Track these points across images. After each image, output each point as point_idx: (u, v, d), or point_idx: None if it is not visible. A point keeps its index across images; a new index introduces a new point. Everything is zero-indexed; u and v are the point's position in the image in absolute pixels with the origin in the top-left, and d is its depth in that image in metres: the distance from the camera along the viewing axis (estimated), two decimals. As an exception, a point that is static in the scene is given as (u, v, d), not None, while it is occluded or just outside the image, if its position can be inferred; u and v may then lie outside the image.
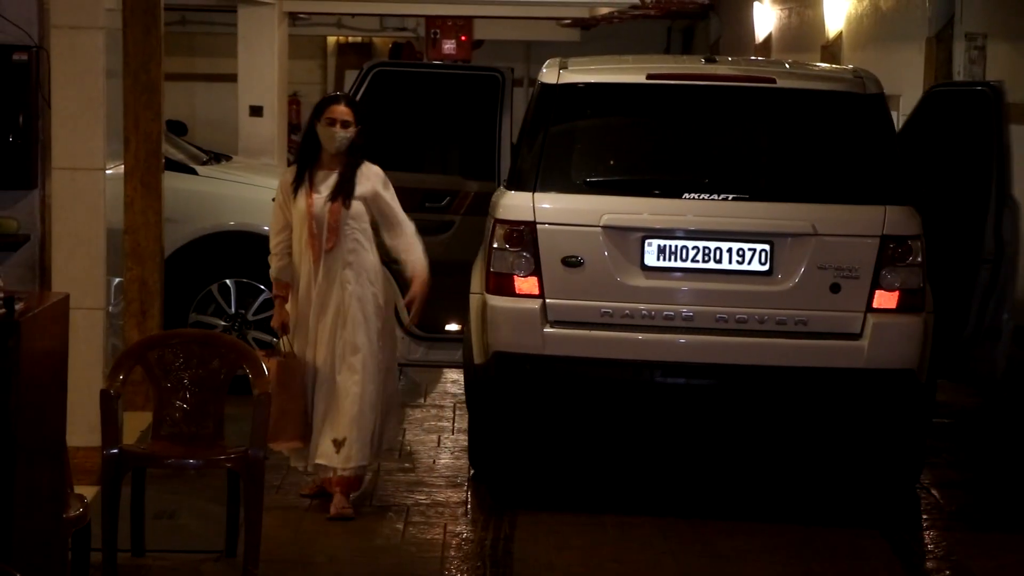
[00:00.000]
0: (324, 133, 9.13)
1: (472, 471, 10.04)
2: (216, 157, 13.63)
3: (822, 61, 17.14)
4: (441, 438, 11.04)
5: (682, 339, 9.32)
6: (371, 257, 9.20)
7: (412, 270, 9.30)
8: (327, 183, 9.17)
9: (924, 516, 9.57)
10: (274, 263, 9.30)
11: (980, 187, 10.27)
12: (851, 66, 12.35)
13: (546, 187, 9.46)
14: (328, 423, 9.10)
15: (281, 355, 9.14)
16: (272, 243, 9.31)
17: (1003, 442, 11.25)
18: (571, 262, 9.37)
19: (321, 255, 9.12)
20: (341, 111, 9.14)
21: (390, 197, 9.23)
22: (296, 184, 9.19)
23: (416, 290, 9.25)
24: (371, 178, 9.19)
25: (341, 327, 9.10)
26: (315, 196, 9.12)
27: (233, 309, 12.37)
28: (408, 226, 9.27)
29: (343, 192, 9.10)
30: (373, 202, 9.19)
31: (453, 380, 12.42)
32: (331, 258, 9.13)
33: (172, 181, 11.84)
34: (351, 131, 9.12)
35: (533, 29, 23.16)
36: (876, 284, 9.27)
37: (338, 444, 9.05)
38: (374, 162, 9.26)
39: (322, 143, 9.16)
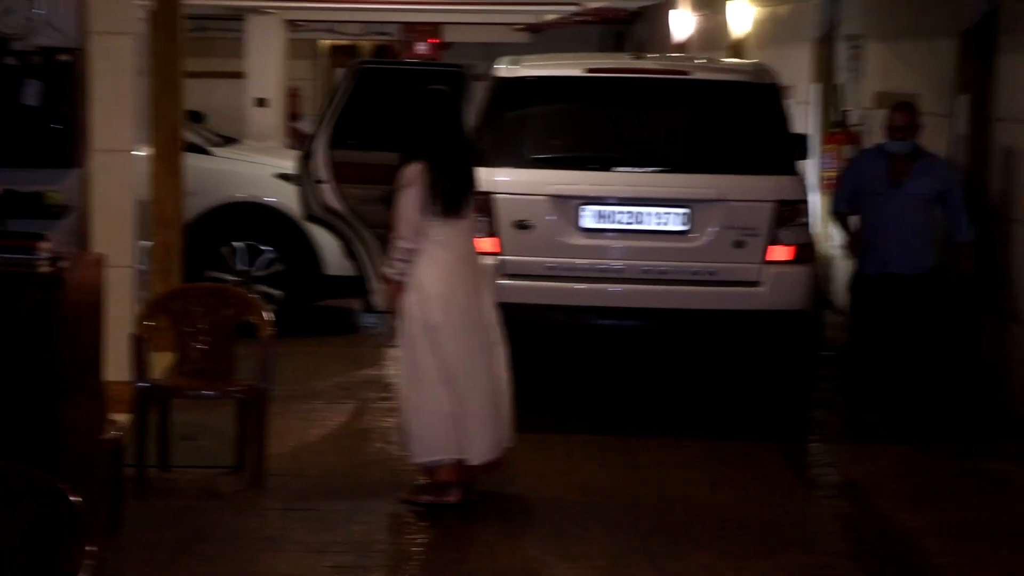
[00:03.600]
0: None
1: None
2: (227, 140, 13.57)
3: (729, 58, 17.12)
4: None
5: (613, 288, 9.34)
6: (423, 259, 7.52)
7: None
8: None
9: (813, 430, 9.61)
10: None
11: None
12: (751, 61, 12.35)
13: (501, 163, 9.44)
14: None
15: None
16: None
17: (879, 373, 11.27)
18: (522, 225, 9.36)
19: None
20: None
21: (398, 200, 7.52)
22: None
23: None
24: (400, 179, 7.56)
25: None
26: None
27: (241, 267, 12.35)
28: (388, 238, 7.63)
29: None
30: None
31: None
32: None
33: (191, 160, 11.78)
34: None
35: (492, 33, 23.10)
36: (772, 240, 9.30)
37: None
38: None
39: None
